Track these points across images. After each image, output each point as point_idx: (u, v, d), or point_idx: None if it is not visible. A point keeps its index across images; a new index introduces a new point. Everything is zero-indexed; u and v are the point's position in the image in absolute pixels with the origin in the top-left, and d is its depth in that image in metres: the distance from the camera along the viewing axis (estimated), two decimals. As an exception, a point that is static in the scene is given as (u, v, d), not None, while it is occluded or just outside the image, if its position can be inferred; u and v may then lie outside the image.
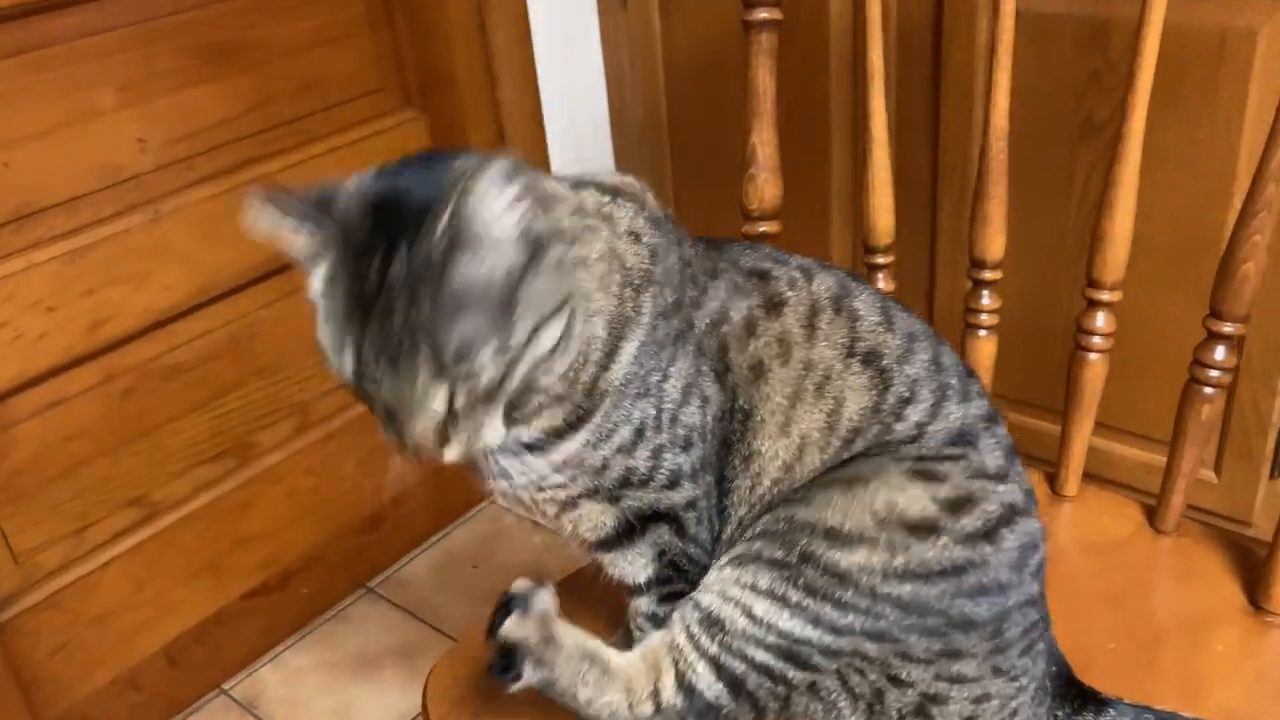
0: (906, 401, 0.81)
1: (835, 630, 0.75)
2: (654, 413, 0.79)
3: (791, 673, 0.77)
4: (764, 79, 1.07)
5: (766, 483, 0.82)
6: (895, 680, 0.77)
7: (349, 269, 0.68)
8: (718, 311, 0.81)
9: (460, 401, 0.69)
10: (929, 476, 0.78)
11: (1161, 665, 0.89)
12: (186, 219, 1.45)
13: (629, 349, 0.77)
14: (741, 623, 0.77)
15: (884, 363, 0.82)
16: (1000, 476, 0.80)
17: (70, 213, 1.36)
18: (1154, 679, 0.88)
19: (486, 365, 0.68)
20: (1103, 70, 1.38)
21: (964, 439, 0.81)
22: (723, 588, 0.79)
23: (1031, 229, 1.46)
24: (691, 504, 0.82)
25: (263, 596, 1.68)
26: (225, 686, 1.66)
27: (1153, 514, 1.02)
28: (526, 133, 1.81)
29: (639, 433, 0.79)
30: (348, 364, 0.69)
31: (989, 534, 0.76)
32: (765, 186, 1.09)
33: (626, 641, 0.93)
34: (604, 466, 0.80)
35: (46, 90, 1.30)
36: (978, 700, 0.78)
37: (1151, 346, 1.40)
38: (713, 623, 0.78)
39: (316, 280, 0.71)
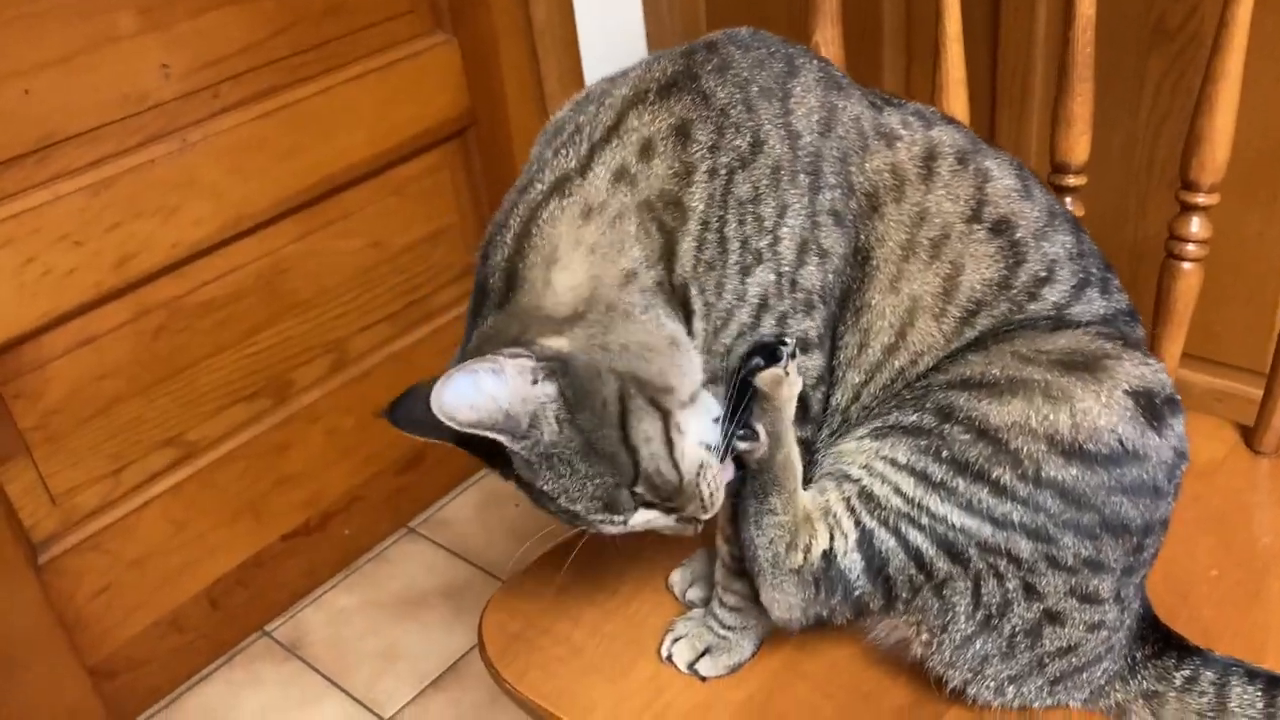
0: (1043, 281, 0.75)
1: (995, 522, 0.71)
2: (774, 279, 0.73)
3: (940, 563, 0.73)
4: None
5: (877, 346, 0.76)
6: (1029, 591, 0.72)
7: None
8: (822, 110, 0.75)
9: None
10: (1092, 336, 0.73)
11: (1270, 593, 0.84)
12: (214, 149, 1.40)
13: (687, 243, 0.73)
14: (895, 501, 0.74)
15: (1017, 235, 0.76)
16: (1160, 369, 0.75)
17: (94, 143, 1.30)
18: (1261, 607, 0.82)
19: (641, 496, 0.73)
20: (1177, -30, 1.29)
21: (1111, 329, 0.75)
22: (867, 460, 0.75)
23: (1097, 140, 1.39)
24: (820, 379, 0.77)
25: (304, 537, 1.66)
26: (268, 628, 1.64)
27: (1249, 435, 0.96)
28: (559, 55, 1.73)
29: (763, 303, 0.74)
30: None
31: (1156, 417, 0.71)
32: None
33: (708, 561, 0.89)
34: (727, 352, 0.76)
35: (65, 13, 1.24)
36: (1092, 628, 0.73)
37: (1230, 264, 1.32)
38: (868, 497, 0.75)
39: None
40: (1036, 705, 0.79)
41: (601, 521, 0.73)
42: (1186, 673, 0.78)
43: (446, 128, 1.65)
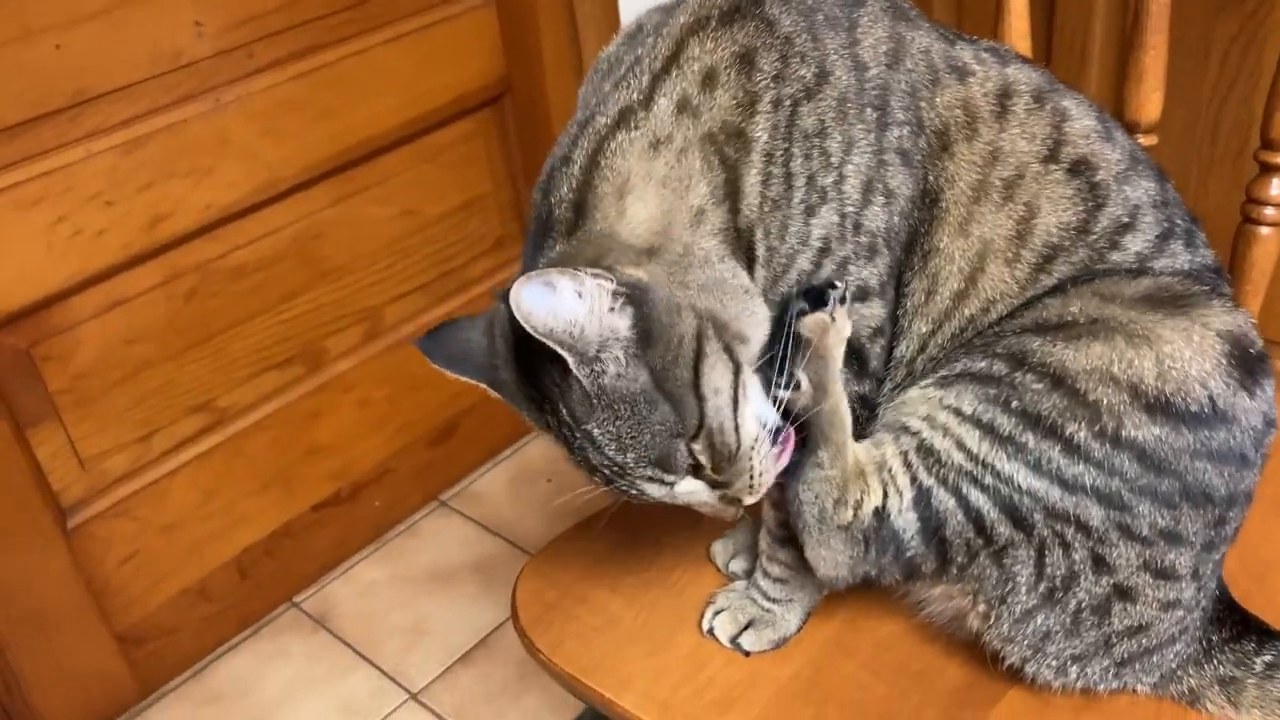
0: (1125, 228, 0.71)
1: (1065, 484, 0.66)
2: (837, 220, 0.69)
3: (1002, 528, 0.69)
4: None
5: (945, 293, 0.72)
6: (1099, 563, 0.68)
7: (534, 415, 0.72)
8: (890, 41, 0.71)
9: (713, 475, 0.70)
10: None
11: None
12: (248, 110, 1.37)
13: (752, 177, 0.69)
14: (957, 457, 0.69)
15: (1098, 177, 0.71)
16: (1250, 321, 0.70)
17: (126, 101, 1.28)
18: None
19: (696, 455, 0.68)
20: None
21: (1198, 283, 0.70)
22: (929, 411, 0.71)
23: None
24: (879, 330, 0.73)
25: (334, 508, 1.63)
26: (297, 599, 1.62)
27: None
28: (599, 23, 1.69)
29: (825, 247, 0.70)
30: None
31: (1249, 374, 0.66)
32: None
33: (752, 532, 0.85)
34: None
35: (96, -32, 1.22)
36: (1165, 606, 0.69)
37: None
38: (927, 452, 0.71)
39: None
40: (1101, 688, 0.75)
41: (647, 479, 0.68)
42: (1268, 658, 0.73)
43: (482, 94, 1.62)
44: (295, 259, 1.48)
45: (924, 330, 0.74)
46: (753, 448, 0.69)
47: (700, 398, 0.66)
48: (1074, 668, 0.74)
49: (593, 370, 0.65)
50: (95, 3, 1.22)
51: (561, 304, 0.63)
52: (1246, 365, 0.66)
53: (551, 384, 0.67)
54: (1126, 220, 0.71)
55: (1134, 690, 0.76)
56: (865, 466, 0.73)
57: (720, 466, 0.68)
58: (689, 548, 0.91)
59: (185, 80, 1.32)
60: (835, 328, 0.70)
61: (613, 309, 0.64)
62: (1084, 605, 0.70)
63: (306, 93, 1.42)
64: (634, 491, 0.70)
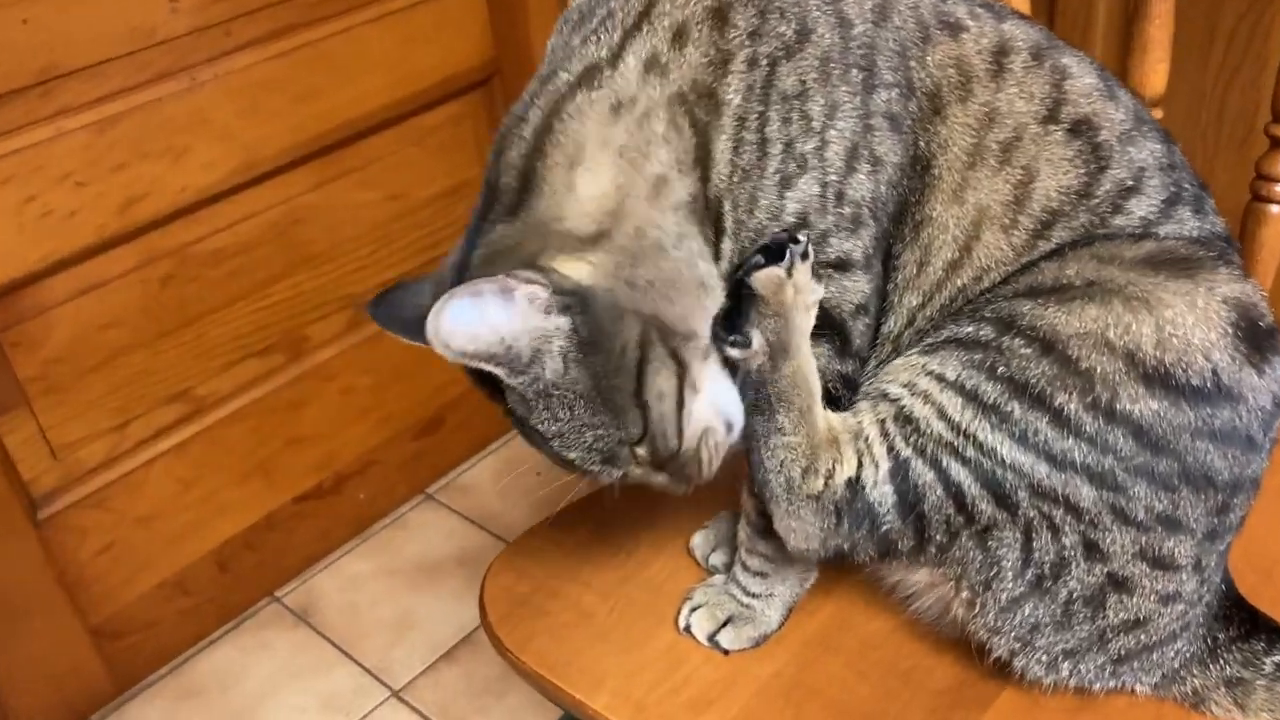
0: (1129, 192, 0.66)
1: (1052, 460, 0.61)
2: (818, 191, 0.65)
3: (984, 505, 0.64)
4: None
5: (938, 263, 0.68)
6: (1091, 549, 0.63)
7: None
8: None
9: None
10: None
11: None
12: (225, 89, 1.33)
13: (722, 143, 0.66)
14: (937, 427, 0.64)
15: (1100, 138, 0.67)
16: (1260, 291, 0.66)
17: (98, 78, 1.24)
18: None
19: (639, 453, 0.67)
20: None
21: (1205, 249, 0.66)
22: (910, 377, 0.66)
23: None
24: (862, 307, 0.69)
25: (316, 500, 1.60)
26: (278, 594, 1.58)
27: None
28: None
29: (801, 220, 0.66)
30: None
31: (1256, 349, 0.62)
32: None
33: (734, 524, 0.81)
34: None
35: (64, -61, 1.18)
36: (1165, 599, 0.64)
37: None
38: (905, 420, 0.66)
39: None
40: (1097, 686, 0.70)
41: (595, 472, 0.67)
42: (1278, 659, 0.69)
43: (469, 76, 1.57)
44: (275, 244, 1.44)
45: (913, 304, 0.70)
46: (700, 440, 0.67)
47: (643, 405, 0.64)
48: (1066, 664, 0.69)
49: (527, 377, 0.62)
50: (63, -26, 1.19)
51: (485, 322, 0.60)
52: (1255, 339, 0.62)
53: (491, 380, 0.65)
54: (1131, 183, 0.67)
55: (1133, 691, 0.72)
56: (840, 434, 0.69)
57: (664, 462, 0.67)
58: (668, 541, 0.87)
59: (160, 58, 1.28)
60: (793, 284, 0.64)
61: (548, 313, 0.61)
62: (1075, 595, 0.65)
63: (287, 72, 1.38)
64: (583, 470, 0.68)
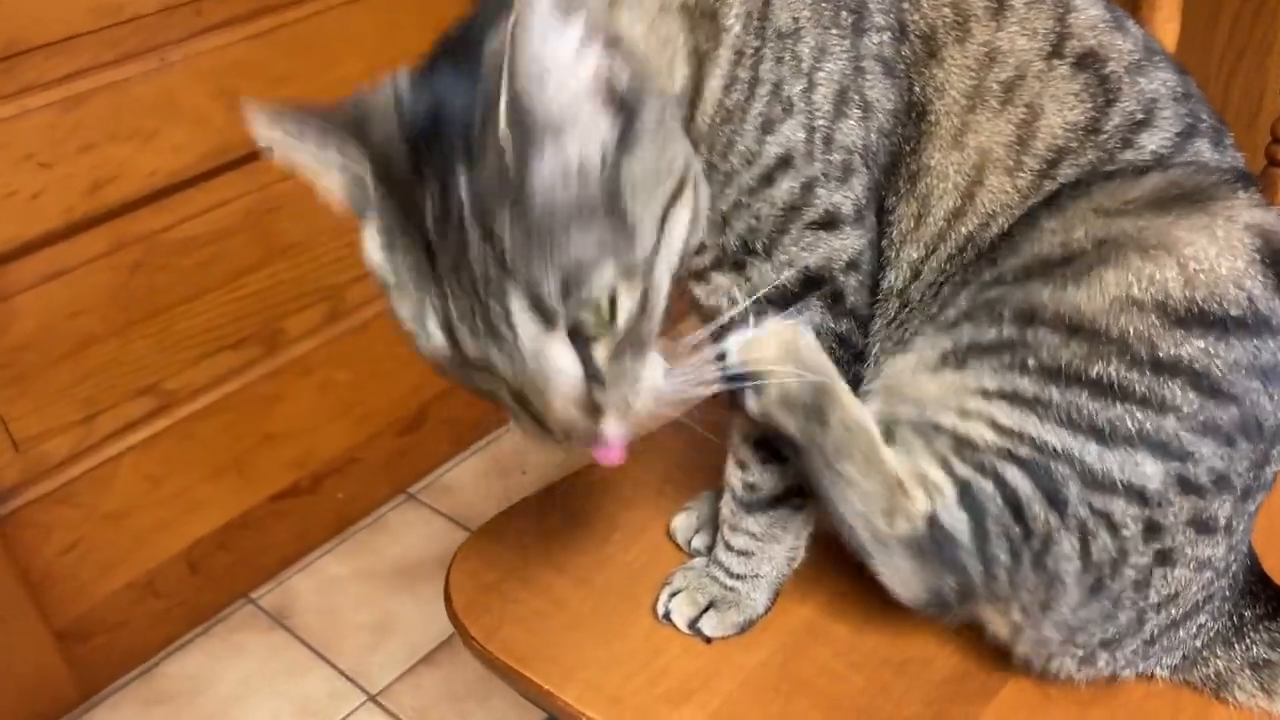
0: (1140, 125, 0.62)
1: (1102, 437, 0.57)
2: (803, 136, 0.61)
3: (1036, 509, 0.59)
4: None
5: (939, 213, 0.63)
6: (1151, 530, 0.58)
7: (406, 220, 0.52)
8: None
9: (599, 353, 0.53)
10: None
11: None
12: (196, 70, 1.29)
13: (715, 79, 0.61)
14: (989, 436, 0.60)
15: (1107, 69, 0.63)
16: None
17: (65, 54, 1.20)
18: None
19: (619, 296, 0.52)
20: None
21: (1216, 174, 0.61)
22: (958, 401, 0.62)
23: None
24: (853, 264, 0.64)
25: (293, 499, 1.54)
26: (253, 595, 1.53)
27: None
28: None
29: (784, 163, 0.61)
30: (438, 344, 0.53)
31: None
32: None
33: (715, 505, 0.76)
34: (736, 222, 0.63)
35: (25, -91, 1.14)
36: (1200, 565, 0.60)
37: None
38: (961, 443, 0.62)
39: (371, 245, 0.55)
40: (1127, 673, 0.66)
41: (510, 319, 0.52)
42: None
43: (455, 62, 1.53)
44: (251, 232, 1.40)
45: (915, 257, 0.65)
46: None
47: (662, 230, 0.55)
48: (1103, 655, 0.65)
49: (538, 148, 0.51)
50: (25, -55, 1.15)
51: (556, 48, 0.51)
52: None
53: (461, 148, 0.52)
54: (1141, 116, 0.62)
55: (1151, 676, 0.67)
56: (904, 480, 0.64)
57: (620, 346, 0.54)
58: (647, 524, 0.82)
59: (128, 36, 1.24)
60: (778, 339, 0.61)
61: (606, 90, 0.53)
62: (1130, 581, 0.61)
63: (262, 54, 1.33)
64: (478, 347, 0.53)
